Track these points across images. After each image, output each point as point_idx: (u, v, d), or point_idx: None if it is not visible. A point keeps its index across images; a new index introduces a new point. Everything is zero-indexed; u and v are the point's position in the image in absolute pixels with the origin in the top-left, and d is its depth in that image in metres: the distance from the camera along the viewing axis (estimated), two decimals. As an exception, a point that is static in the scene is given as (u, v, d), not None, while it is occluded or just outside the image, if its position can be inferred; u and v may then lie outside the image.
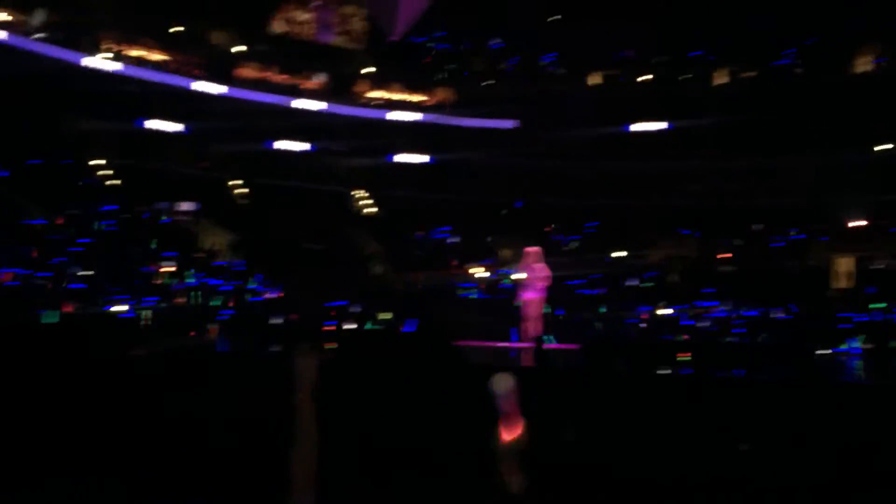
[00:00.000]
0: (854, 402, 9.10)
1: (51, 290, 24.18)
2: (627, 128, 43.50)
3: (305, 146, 42.48)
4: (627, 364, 10.90)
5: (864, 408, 8.77)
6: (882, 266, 34.66)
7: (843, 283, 33.39)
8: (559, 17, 45.34)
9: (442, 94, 46.40)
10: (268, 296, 29.43)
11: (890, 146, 39.36)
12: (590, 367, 10.85)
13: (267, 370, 9.62)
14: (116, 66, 37.78)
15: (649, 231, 39.85)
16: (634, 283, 34.47)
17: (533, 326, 14.36)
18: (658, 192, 42.07)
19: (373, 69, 45.49)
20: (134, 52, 39.91)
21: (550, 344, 14.18)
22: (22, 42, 34.76)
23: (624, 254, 38.21)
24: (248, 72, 43.65)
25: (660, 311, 29.01)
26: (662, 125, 43.31)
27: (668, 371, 11.52)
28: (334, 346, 11.39)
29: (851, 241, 36.84)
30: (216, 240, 35.12)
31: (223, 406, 9.47)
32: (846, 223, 37.91)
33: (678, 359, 12.72)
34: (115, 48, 38.89)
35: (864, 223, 37.75)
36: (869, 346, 18.70)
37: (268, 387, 8.22)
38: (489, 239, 40.27)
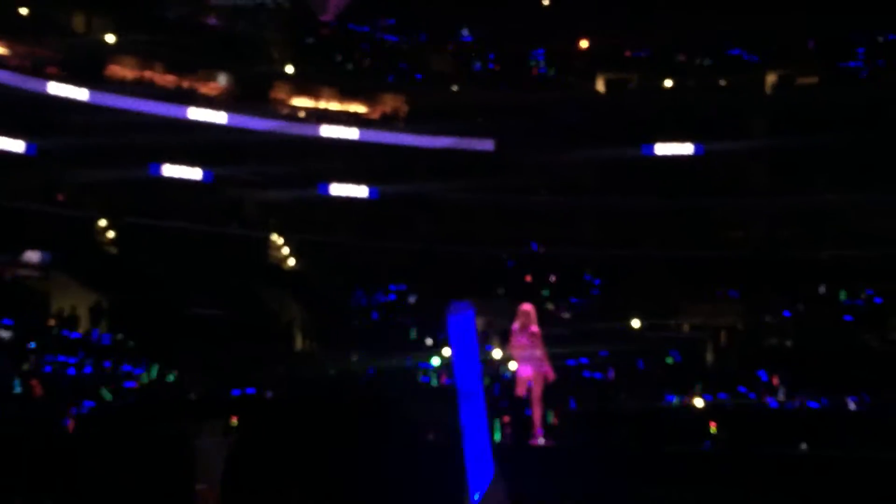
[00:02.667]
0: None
1: None
2: (647, 150, 44.06)
3: (201, 173, 42.34)
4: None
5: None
6: None
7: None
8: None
9: (391, 104, 46.71)
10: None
11: None
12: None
13: (156, 456, 9.50)
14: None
15: (676, 292, 40.13)
16: (656, 363, 34.61)
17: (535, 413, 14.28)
18: (688, 238, 42.47)
19: (294, 69, 45.79)
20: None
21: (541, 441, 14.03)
22: None
23: (642, 323, 38.37)
24: (123, 71, 43.64)
25: (694, 401, 29.08)
26: (691, 148, 43.97)
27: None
28: (243, 420, 11.20)
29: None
30: (74, 302, 34.65)
31: None
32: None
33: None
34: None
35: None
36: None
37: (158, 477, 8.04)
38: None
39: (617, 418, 13.55)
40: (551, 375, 13.96)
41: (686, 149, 43.99)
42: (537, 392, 13.89)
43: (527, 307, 14.24)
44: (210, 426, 3.72)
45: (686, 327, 39.03)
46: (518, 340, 14.07)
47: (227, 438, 3.69)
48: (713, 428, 15.13)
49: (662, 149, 44.18)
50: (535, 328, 14.00)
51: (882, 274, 38.40)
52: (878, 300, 38.93)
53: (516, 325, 14.11)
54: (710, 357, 36.35)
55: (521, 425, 12.52)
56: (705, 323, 38.73)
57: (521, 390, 14.09)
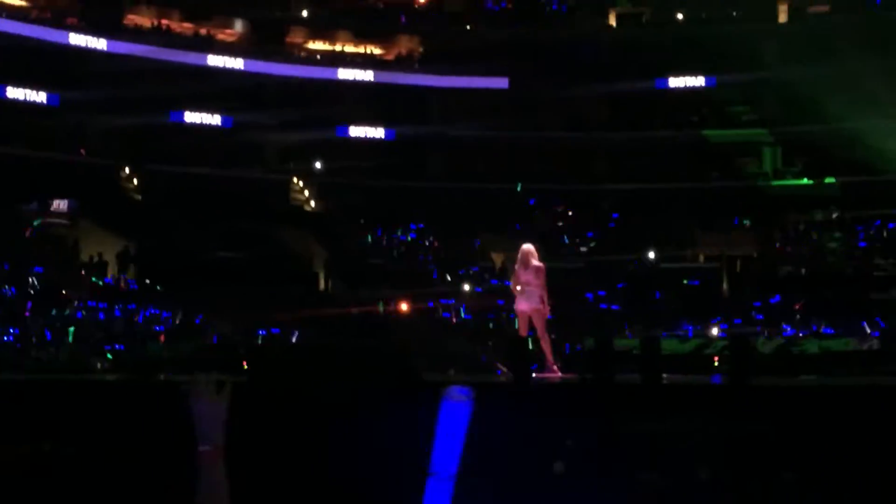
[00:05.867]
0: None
1: None
2: (660, 84, 43.71)
3: (220, 119, 42.29)
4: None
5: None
6: None
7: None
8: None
9: (405, 45, 46.39)
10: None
11: None
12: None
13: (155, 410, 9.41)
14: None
15: (690, 223, 39.98)
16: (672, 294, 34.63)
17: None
18: (701, 169, 42.24)
19: (310, 12, 45.46)
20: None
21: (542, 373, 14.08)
22: None
23: (657, 255, 38.33)
24: (141, 19, 43.45)
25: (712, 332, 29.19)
26: (703, 80, 43.59)
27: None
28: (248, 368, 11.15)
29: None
30: (102, 249, 34.88)
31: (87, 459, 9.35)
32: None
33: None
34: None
35: None
36: None
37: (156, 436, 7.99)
38: (477, 240, 40.26)
39: (626, 352, 13.48)
40: (547, 311, 14.03)
41: (698, 81, 43.60)
42: (539, 327, 13.97)
43: (525, 246, 14.32)
44: (204, 383, 3.56)
45: (701, 258, 38.92)
46: (520, 277, 14.15)
47: (222, 396, 3.53)
48: (716, 361, 15.12)
49: (675, 82, 43.82)
50: (537, 264, 14.06)
51: (894, 199, 38.06)
52: (891, 225, 38.70)
53: (518, 263, 14.24)
54: (725, 287, 36.26)
55: (529, 360, 12.52)
56: (720, 253, 38.61)
57: (521, 325, 14.25)
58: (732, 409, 9.59)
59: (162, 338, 27.00)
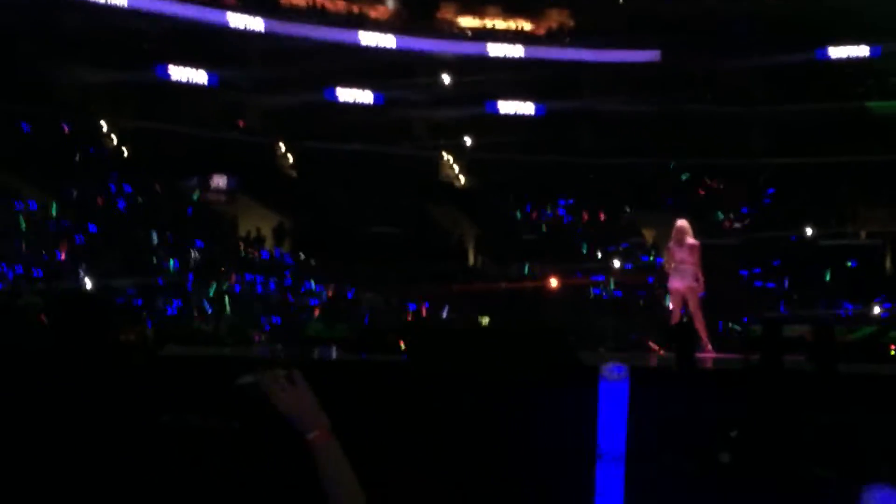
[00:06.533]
0: None
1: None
2: (821, 54, 42.10)
3: (372, 96, 42.67)
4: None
5: None
6: None
7: None
8: None
9: (556, 19, 45.90)
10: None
11: None
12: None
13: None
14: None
15: (852, 198, 38.50)
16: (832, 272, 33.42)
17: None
18: (863, 142, 40.58)
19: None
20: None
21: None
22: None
23: (815, 231, 37.06)
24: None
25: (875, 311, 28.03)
26: (866, 50, 41.80)
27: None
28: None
29: None
30: (259, 224, 35.64)
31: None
32: None
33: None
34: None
35: None
36: None
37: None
38: (627, 214, 39.64)
39: (796, 337, 12.81)
40: (701, 289, 13.66)
41: (861, 51, 41.77)
42: (693, 305, 13.62)
43: (679, 222, 13.99)
44: (273, 378, 3.26)
45: (862, 234, 37.38)
46: (674, 255, 13.85)
47: (298, 383, 3.26)
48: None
49: (836, 52, 42.07)
50: (692, 241, 13.72)
51: None
52: None
53: (671, 240, 13.95)
54: (888, 264, 34.75)
55: (693, 341, 12.13)
56: (882, 229, 37.02)
57: (674, 303, 13.96)
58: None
59: (316, 312, 27.48)
